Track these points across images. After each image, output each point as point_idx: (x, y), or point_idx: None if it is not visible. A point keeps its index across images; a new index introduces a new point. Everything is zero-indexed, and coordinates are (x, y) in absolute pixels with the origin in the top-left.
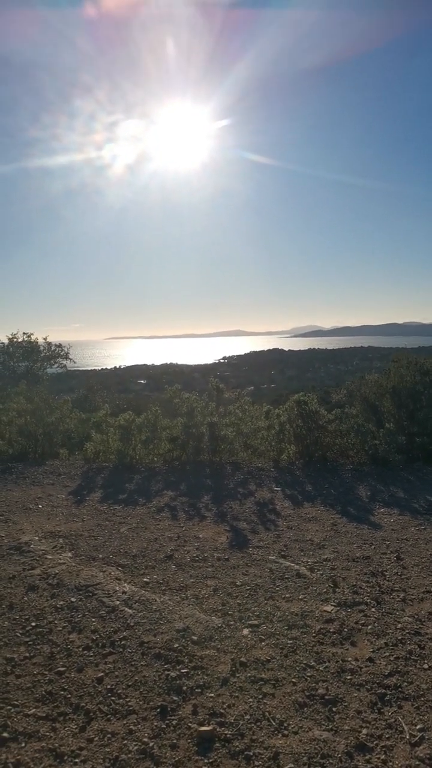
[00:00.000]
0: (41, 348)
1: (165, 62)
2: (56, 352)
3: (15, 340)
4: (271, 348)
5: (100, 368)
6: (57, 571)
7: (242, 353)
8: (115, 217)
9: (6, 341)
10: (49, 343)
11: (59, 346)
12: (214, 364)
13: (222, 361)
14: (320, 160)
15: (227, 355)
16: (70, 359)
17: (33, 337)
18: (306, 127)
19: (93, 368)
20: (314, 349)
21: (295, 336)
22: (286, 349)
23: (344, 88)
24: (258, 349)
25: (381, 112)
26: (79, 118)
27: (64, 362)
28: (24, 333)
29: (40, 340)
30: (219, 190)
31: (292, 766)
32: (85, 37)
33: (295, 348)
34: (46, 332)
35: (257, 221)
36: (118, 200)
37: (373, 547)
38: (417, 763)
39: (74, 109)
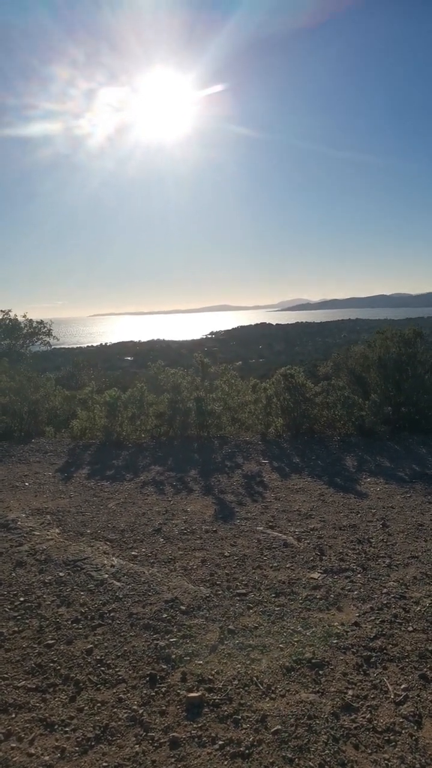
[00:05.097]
0: (22, 325)
1: (146, 28)
2: (38, 329)
3: None
4: (258, 322)
5: (85, 345)
6: (45, 547)
7: (230, 328)
8: (96, 190)
9: None
10: (30, 320)
11: (41, 322)
12: (202, 339)
13: (210, 336)
14: (305, 132)
15: (215, 330)
16: (53, 336)
17: (12, 314)
18: (292, 97)
19: (78, 346)
20: (302, 322)
21: (283, 310)
22: (274, 323)
23: (328, 52)
24: (246, 323)
25: (356, 81)
26: (56, 84)
27: (47, 339)
28: (1, 310)
29: (20, 318)
30: (203, 163)
31: (280, 727)
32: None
33: (283, 322)
34: (26, 310)
35: (243, 194)
36: (100, 172)
37: (359, 515)
38: (401, 720)
39: (51, 74)
